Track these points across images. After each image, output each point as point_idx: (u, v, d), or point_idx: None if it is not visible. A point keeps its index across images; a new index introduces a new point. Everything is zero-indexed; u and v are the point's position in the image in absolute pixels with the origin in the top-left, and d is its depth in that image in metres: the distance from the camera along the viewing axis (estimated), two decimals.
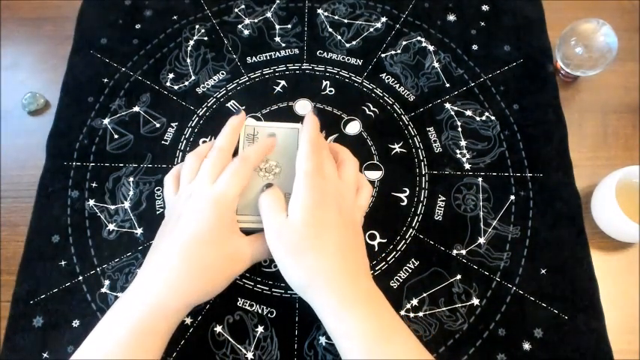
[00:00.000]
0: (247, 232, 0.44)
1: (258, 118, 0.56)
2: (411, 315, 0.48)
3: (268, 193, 0.43)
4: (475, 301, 0.48)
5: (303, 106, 0.57)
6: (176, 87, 0.58)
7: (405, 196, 0.53)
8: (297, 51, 0.60)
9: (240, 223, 0.44)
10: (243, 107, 0.57)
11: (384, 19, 0.62)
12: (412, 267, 0.50)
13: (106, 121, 0.56)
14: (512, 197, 0.53)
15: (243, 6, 0.63)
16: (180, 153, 0.55)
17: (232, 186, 0.43)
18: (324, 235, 0.40)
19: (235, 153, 0.47)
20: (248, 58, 0.60)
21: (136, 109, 0.57)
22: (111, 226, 0.51)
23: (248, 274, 0.49)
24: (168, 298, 0.39)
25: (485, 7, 0.63)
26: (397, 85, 0.58)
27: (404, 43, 0.61)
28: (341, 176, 0.45)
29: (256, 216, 0.44)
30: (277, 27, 0.61)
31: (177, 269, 0.40)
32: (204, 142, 0.55)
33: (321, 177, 0.42)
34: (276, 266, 0.49)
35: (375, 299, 0.41)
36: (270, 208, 0.42)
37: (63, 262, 0.50)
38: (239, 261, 0.43)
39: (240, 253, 0.43)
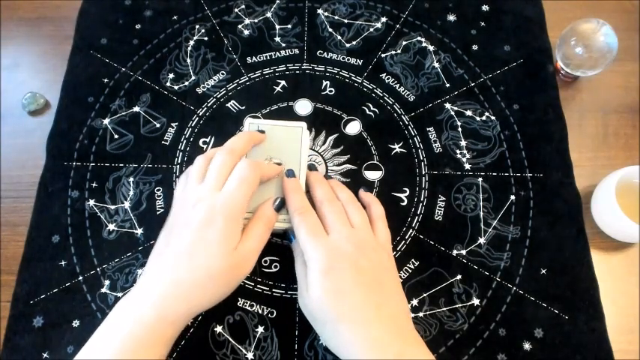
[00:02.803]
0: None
1: (257, 118, 0.56)
2: (412, 315, 0.48)
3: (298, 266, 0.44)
4: (475, 301, 0.48)
5: (303, 106, 0.57)
6: (176, 87, 0.58)
7: (405, 196, 0.53)
8: (297, 51, 0.60)
9: None
10: (243, 107, 0.57)
11: (384, 19, 0.62)
12: (412, 267, 0.50)
13: (106, 121, 0.56)
14: (513, 197, 0.53)
15: (243, 6, 0.63)
16: (180, 153, 0.55)
17: (239, 195, 0.42)
18: (344, 302, 0.40)
19: None
20: (248, 58, 0.60)
21: (136, 109, 0.57)
22: (111, 226, 0.51)
23: (248, 275, 0.49)
24: (174, 309, 0.39)
25: (485, 7, 0.63)
26: (397, 85, 0.58)
27: (404, 43, 0.61)
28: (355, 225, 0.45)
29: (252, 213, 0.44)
30: (277, 27, 0.61)
31: (184, 282, 0.39)
32: (204, 142, 0.55)
33: (323, 237, 0.42)
34: (276, 267, 0.50)
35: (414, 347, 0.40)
36: (299, 283, 0.44)
37: (63, 262, 0.50)
38: (244, 267, 0.42)
39: (244, 259, 0.42)
